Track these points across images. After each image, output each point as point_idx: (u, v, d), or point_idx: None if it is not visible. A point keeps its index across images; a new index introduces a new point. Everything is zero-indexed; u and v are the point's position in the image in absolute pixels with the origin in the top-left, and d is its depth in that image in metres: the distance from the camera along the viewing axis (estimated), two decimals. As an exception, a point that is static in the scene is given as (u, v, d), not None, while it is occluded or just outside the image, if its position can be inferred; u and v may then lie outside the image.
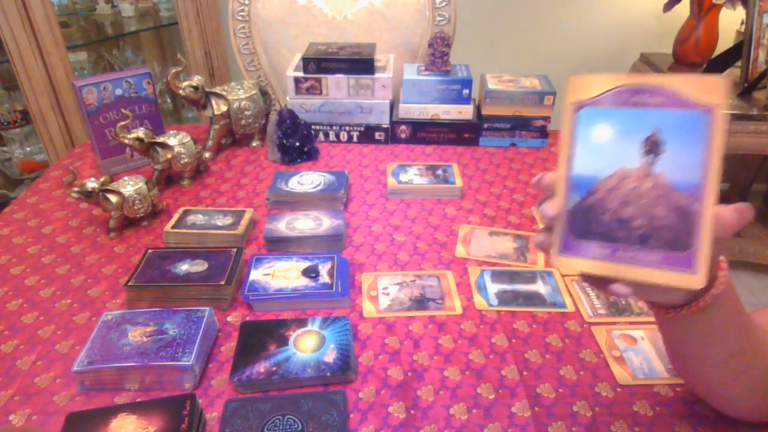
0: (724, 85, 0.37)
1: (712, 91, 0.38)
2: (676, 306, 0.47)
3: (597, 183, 0.41)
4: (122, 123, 1.01)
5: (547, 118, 1.22)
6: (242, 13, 1.52)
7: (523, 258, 0.88)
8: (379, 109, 1.25)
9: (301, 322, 0.73)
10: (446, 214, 1.00)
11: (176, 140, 1.05)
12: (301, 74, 1.23)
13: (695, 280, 0.39)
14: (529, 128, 1.23)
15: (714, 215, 0.38)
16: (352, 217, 0.99)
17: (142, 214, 0.94)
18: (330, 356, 0.67)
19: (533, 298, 0.79)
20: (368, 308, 0.78)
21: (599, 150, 0.41)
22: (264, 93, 1.24)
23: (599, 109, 0.41)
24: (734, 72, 1.75)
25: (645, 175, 0.40)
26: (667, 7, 1.90)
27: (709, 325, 0.47)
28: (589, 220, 0.42)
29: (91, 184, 0.90)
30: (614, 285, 0.43)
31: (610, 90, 0.41)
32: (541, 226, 0.45)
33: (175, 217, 0.94)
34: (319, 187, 1.02)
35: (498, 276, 0.84)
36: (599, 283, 0.44)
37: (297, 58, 1.32)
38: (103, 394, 0.65)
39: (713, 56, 1.83)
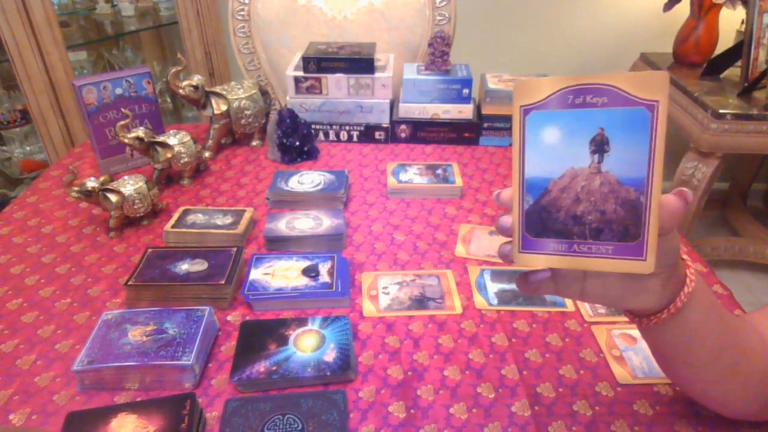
0: (664, 80, 0.38)
1: (654, 87, 0.39)
2: (654, 312, 0.48)
3: (549, 183, 0.43)
4: (122, 122, 1.01)
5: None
6: (242, 13, 1.52)
7: (523, 257, 0.88)
8: (379, 109, 1.25)
9: (301, 322, 0.73)
10: (446, 213, 1.00)
11: (176, 140, 1.05)
12: (301, 74, 1.23)
13: (645, 265, 0.41)
14: (529, 128, 1.23)
15: (660, 205, 0.40)
16: (352, 217, 0.99)
17: (142, 214, 0.94)
18: (330, 356, 0.67)
19: (533, 298, 0.79)
20: (368, 308, 0.78)
21: (549, 152, 0.42)
22: (264, 92, 1.24)
23: (545, 113, 0.42)
24: (734, 72, 1.75)
25: (594, 173, 0.41)
26: (667, 7, 1.90)
27: (689, 326, 0.48)
28: (545, 219, 0.44)
29: (91, 183, 0.90)
30: (533, 274, 0.47)
31: (554, 93, 0.42)
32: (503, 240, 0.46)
33: (175, 216, 0.94)
34: (319, 187, 1.02)
35: (498, 275, 0.84)
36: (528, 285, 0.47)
37: (297, 58, 1.32)
38: (103, 394, 0.65)
39: (713, 56, 1.83)
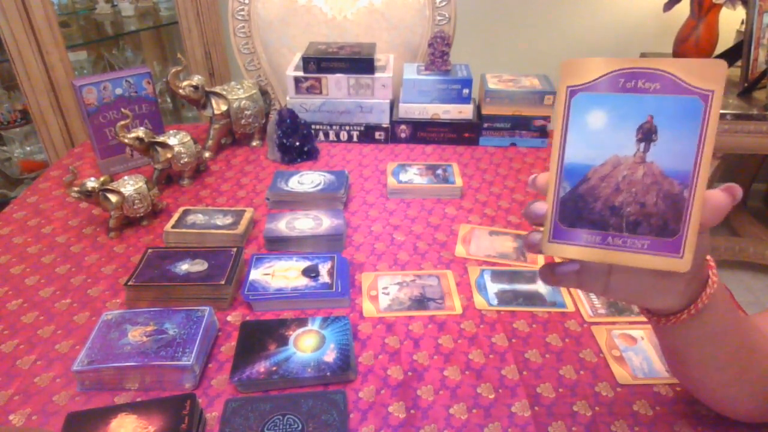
0: (722, 69, 0.37)
1: (710, 75, 0.37)
2: (674, 312, 0.47)
3: (589, 171, 0.41)
4: (122, 122, 1.01)
5: (547, 118, 1.22)
6: (242, 13, 1.52)
7: (523, 258, 0.88)
8: (379, 109, 1.25)
9: (301, 322, 0.73)
10: (446, 213, 1.00)
11: (176, 140, 1.05)
12: (301, 74, 1.23)
13: (681, 263, 0.39)
14: (529, 128, 1.23)
15: (704, 199, 0.38)
16: (352, 217, 0.99)
17: (142, 214, 0.94)
18: (330, 356, 0.67)
19: (533, 298, 0.79)
20: (368, 308, 0.78)
21: (593, 137, 0.41)
22: (264, 92, 1.24)
23: (594, 95, 0.40)
24: (734, 72, 1.75)
25: (638, 163, 0.40)
26: (667, 7, 1.90)
27: (707, 328, 0.47)
28: (581, 208, 0.42)
29: (91, 183, 0.90)
30: (562, 265, 0.45)
31: (605, 74, 0.40)
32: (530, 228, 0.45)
33: (175, 216, 0.94)
34: (319, 187, 1.02)
35: (498, 276, 0.84)
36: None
37: (297, 58, 1.31)
38: (103, 394, 0.65)
39: (713, 56, 1.83)
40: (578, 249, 0.42)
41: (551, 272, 0.45)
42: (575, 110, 0.41)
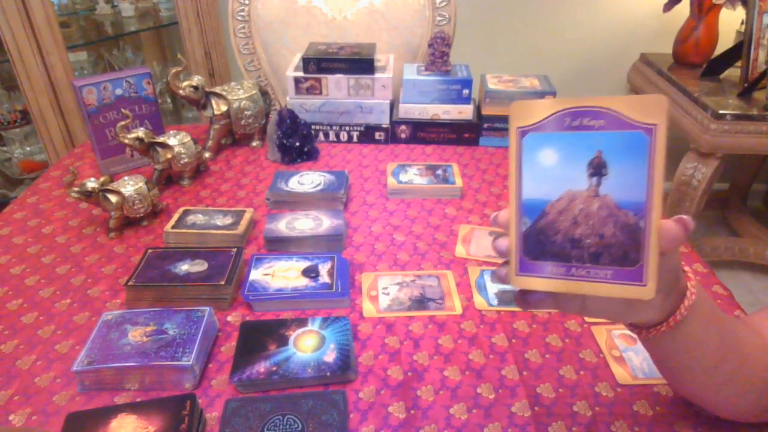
0: (662, 103, 0.38)
1: (653, 110, 0.38)
2: (655, 324, 0.48)
3: (547, 206, 0.42)
4: (122, 123, 1.01)
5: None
6: (242, 13, 1.52)
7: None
8: (379, 109, 1.25)
9: (301, 322, 0.73)
10: (446, 214, 1.00)
11: (176, 140, 1.05)
12: (301, 74, 1.23)
13: (645, 291, 0.40)
14: (529, 128, 1.23)
15: (659, 230, 0.39)
16: (352, 217, 0.99)
17: (142, 214, 0.94)
18: (330, 356, 0.67)
19: (533, 298, 0.79)
20: (368, 308, 0.78)
21: (546, 174, 0.42)
22: (264, 93, 1.24)
23: (543, 135, 0.41)
24: (734, 72, 1.75)
25: (592, 196, 0.41)
26: (667, 7, 1.90)
27: (690, 336, 0.48)
28: (542, 242, 0.43)
29: (91, 184, 0.90)
30: (530, 295, 0.46)
31: (552, 114, 0.41)
32: (500, 261, 0.46)
33: (175, 217, 0.94)
34: (319, 187, 1.02)
35: (498, 276, 0.84)
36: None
37: (297, 58, 1.32)
38: (103, 394, 0.65)
39: (713, 56, 1.83)
40: (544, 281, 0.43)
41: (525, 300, 0.47)
42: (527, 149, 0.42)
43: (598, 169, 0.40)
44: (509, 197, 0.43)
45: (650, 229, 0.39)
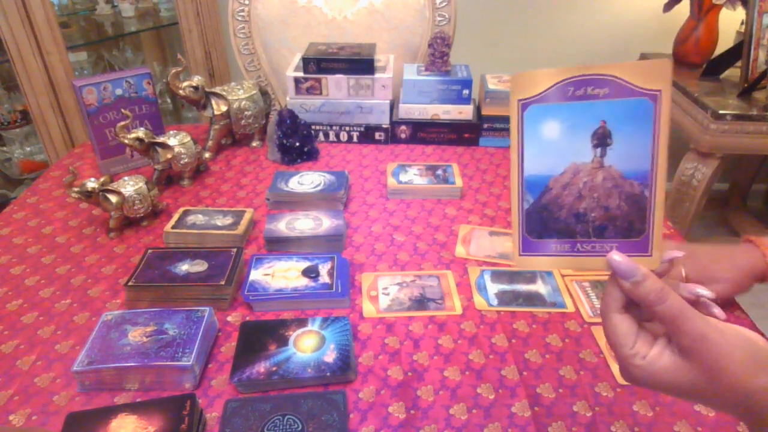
0: (666, 68, 0.37)
1: (656, 76, 0.38)
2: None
3: (550, 181, 0.41)
4: (122, 123, 1.01)
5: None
6: (242, 13, 1.52)
7: (523, 258, 0.88)
8: (379, 109, 1.25)
9: (301, 322, 0.73)
10: (446, 214, 1.00)
11: (176, 140, 1.05)
12: (301, 74, 1.23)
13: (651, 261, 0.40)
14: (529, 128, 1.23)
15: (664, 200, 0.39)
16: (352, 217, 0.99)
17: (142, 214, 0.94)
18: (330, 356, 0.67)
19: (533, 298, 0.79)
20: (368, 308, 0.78)
21: (549, 147, 0.41)
22: (264, 93, 1.24)
23: (545, 106, 0.40)
24: (734, 72, 1.75)
25: (596, 168, 0.40)
26: (667, 7, 1.90)
27: None
28: (546, 219, 0.42)
29: (91, 184, 0.90)
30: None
31: (554, 85, 0.40)
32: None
33: (175, 217, 0.94)
34: (319, 187, 1.02)
35: (498, 276, 0.84)
36: None
37: (297, 58, 1.31)
38: (103, 394, 0.65)
39: (713, 56, 1.83)
40: (549, 259, 0.43)
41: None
42: (529, 123, 0.41)
43: (602, 139, 0.40)
44: (510, 175, 0.42)
45: (655, 197, 0.39)
